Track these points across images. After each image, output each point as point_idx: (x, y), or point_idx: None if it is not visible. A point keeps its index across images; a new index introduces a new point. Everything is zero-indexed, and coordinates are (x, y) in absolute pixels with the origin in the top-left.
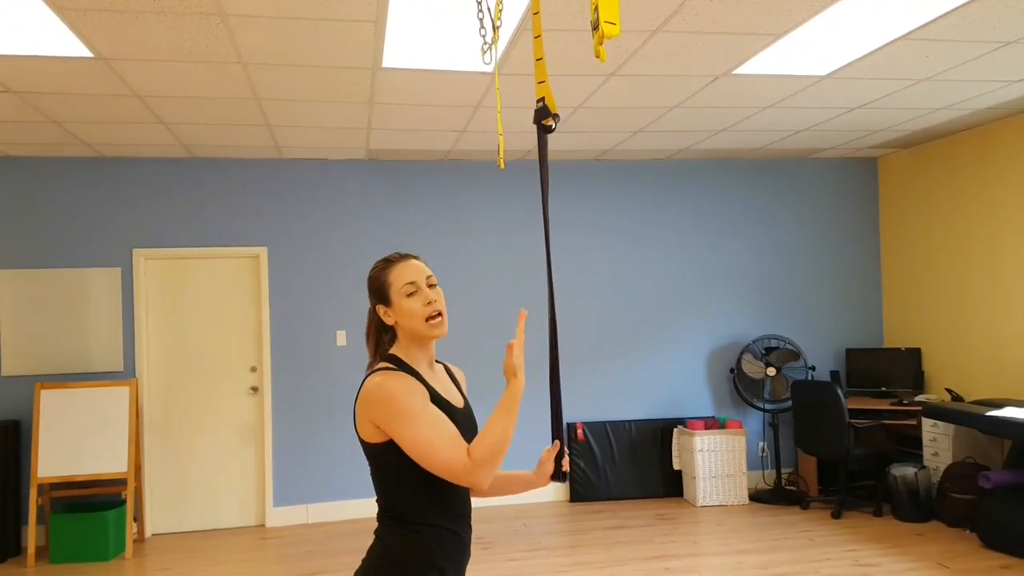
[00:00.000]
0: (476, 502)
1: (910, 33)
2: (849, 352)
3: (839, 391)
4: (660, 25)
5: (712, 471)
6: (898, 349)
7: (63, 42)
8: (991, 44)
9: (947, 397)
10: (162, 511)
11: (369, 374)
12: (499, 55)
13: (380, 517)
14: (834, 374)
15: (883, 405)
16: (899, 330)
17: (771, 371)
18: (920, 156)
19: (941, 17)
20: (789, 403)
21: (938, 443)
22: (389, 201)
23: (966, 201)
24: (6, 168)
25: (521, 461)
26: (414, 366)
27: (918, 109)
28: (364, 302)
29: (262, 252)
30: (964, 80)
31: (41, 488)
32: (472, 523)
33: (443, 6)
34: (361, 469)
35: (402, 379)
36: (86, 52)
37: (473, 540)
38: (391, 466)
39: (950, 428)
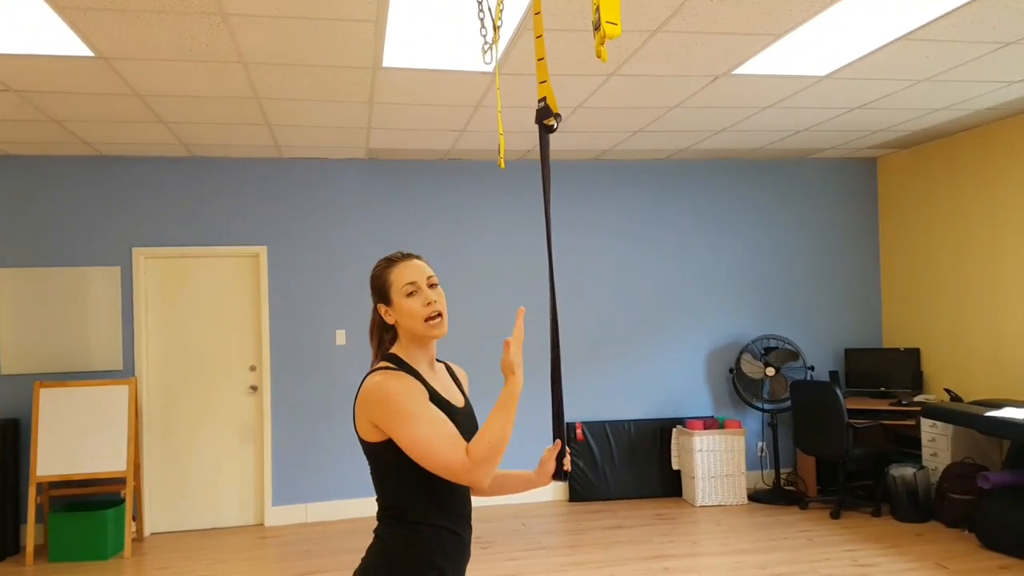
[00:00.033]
0: (475, 501)
1: (910, 33)
2: (848, 352)
3: (838, 391)
4: (660, 25)
5: (711, 471)
6: (897, 349)
7: (64, 41)
8: (991, 45)
9: (946, 397)
10: (161, 510)
11: (368, 373)
12: (499, 55)
13: (380, 516)
14: (833, 374)
15: (882, 405)
16: (898, 330)
17: (770, 371)
18: (920, 156)
19: (941, 17)
20: (788, 403)
21: (937, 443)
22: (389, 201)
23: (965, 201)
24: (6, 167)
25: (521, 461)
26: (414, 366)
27: (918, 109)
28: (363, 301)
29: (262, 251)
30: (964, 81)
31: (40, 487)
32: (472, 523)
33: (443, 6)
34: (360, 468)
35: (401, 379)
36: (86, 51)
37: (472, 540)
38: (390, 465)
39: (949, 428)
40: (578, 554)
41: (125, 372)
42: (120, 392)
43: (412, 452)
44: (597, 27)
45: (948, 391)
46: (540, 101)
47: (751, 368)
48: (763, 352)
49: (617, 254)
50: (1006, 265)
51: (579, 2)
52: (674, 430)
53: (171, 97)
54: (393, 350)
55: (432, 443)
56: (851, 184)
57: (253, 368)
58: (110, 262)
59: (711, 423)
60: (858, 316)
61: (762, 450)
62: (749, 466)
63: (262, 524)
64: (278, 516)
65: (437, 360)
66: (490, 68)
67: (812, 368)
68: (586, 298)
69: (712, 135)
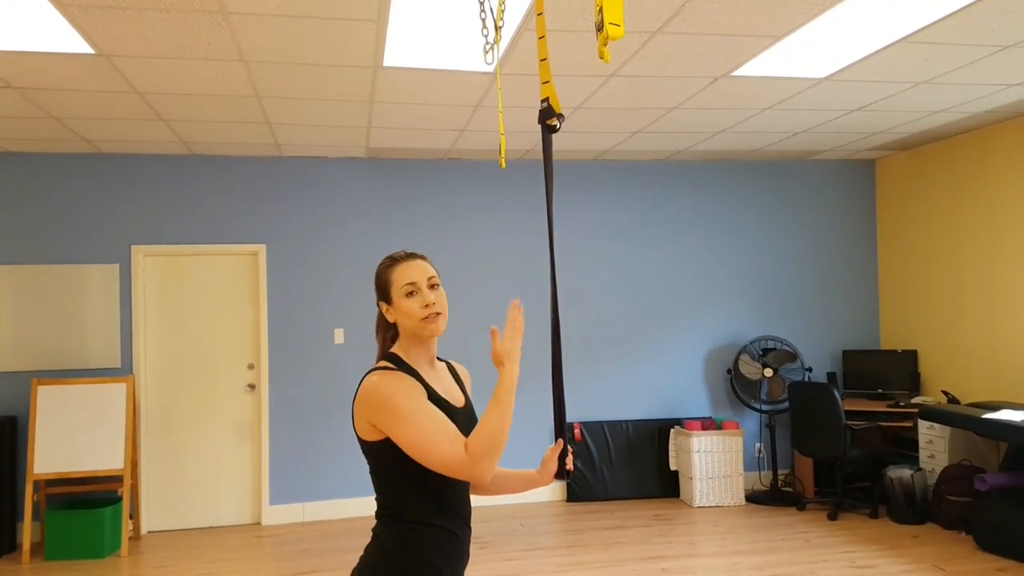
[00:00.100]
0: (472, 501)
1: (909, 36)
2: (846, 354)
3: (836, 392)
4: (661, 26)
5: (709, 472)
6: (895, 351)
7: (65, 38)
8: (989, 48)
9: (943, 399)
10: (158, 508)
11: (367, 373)
12: (500, 55)
13: (378, 515)
14: (831, 375)
15: (879, 407)
16: (896, 332)
17: (768, 372)
18: (918, 158)
19: (940, 20)
20: (786, 404)
21: (934, 445)
22: (388, 200)
23: (964, 204)
24: (6, 164)
25: (521, 461)
26: (414, 365)
27: (916, 112)
28: (362, 300)
29: (261, 249)
30: (962, 83)
31: (37, 484)
32: (471, 525)
33: (444, 6)
34: (358, 468)
35: (399, 379)
36: (87, 49)
37: (471, 540)
38: (389, 465)
39: (946, 430)
40: (576, 554)
41: (123, 370)
42: (118, 390)
43: (411, 450)
44: (600, 28)
45: (945, 393)
46: (543, 101)
47: (749, 369)
48: (761, 353)
49: (616, 254)
50: (1004, 267)
51: (579, 3)
52: (672, 431)
53: (171, 95)
54: (394, 349)
55: (431, 441)
56: (850, 186)
57: (251, 366)
58: (109, 260)
59: (709, 424)
60: (856, 318)
61: (760, 451)
62: (747, 467)
63: (259, 523)
64: (276, 515)
65: (439, 359)
66: (490, 68)
67: (810, 369)
68: (584, 298)
69: (711, 136)
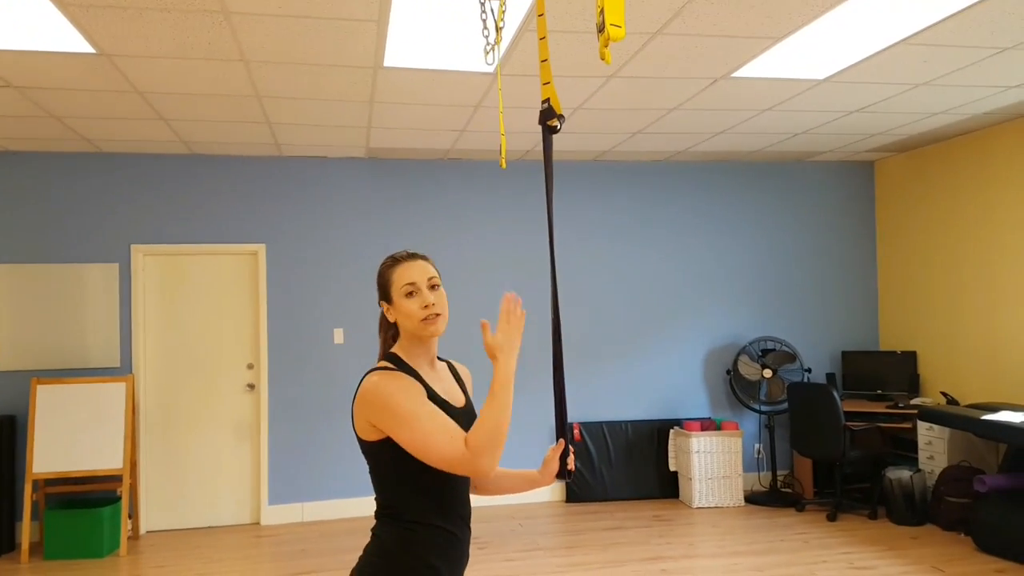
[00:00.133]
0: (472, 501)
1: (908, 38)
2: (845, 355)
3: (835, 393)
4: (661, 28)
5: (708, 472)
6: (894, 352)
7: (65, 38)
8: (989, 49)
9: (942, 400)
10: (157, 508)
11: (367, 373)
12: (501, 55)
13: (377, 515)
14: (830, 376)
15: (879, 408)
16: (895, 333)
17: (767, 373)
18: (917, 160)
19: (939, 22)
20: (785, 405)
21: (933, 446)
22: (388, 199)
23: (963, 205)
24: (6, 163)
25: (521, 462)
26: (413, 365)
27: (916, 113)
28: (362, 300)
29: (260, 249)
30: (961, 85)
31: (36, 484)
32: (471, 526)
33: (445, 6)
34: (357, 468)
35: (398, 379)
36: (88, 48)
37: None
38: (389, 464)
39: (945, 431)
40: (575, 555)
41: (123, 369)
42: (117, 389)
43: (412, 449)
44: (601, 29)
45: (944, 394)
46: (544, 102)
47: (748, 370)
48: (760, 354)
49: (616, 255)
50: (1003, 268)
51: (579, 4)
52: (671, 431)
53: (172, 94)
54: (394, 349)
55: (431, 438)
56: (849, 187)
57: (251, 366)
58: (109, 259)
59: (708, 424)
60: (855, 319)
61: (759, 452)
62: (746, 468)
63: (258, 523)
64: (274, 515)
65: (439, 359)
66: (490, 69)
67: (809, 370)
68: (584, 298)
69: (711, 137)
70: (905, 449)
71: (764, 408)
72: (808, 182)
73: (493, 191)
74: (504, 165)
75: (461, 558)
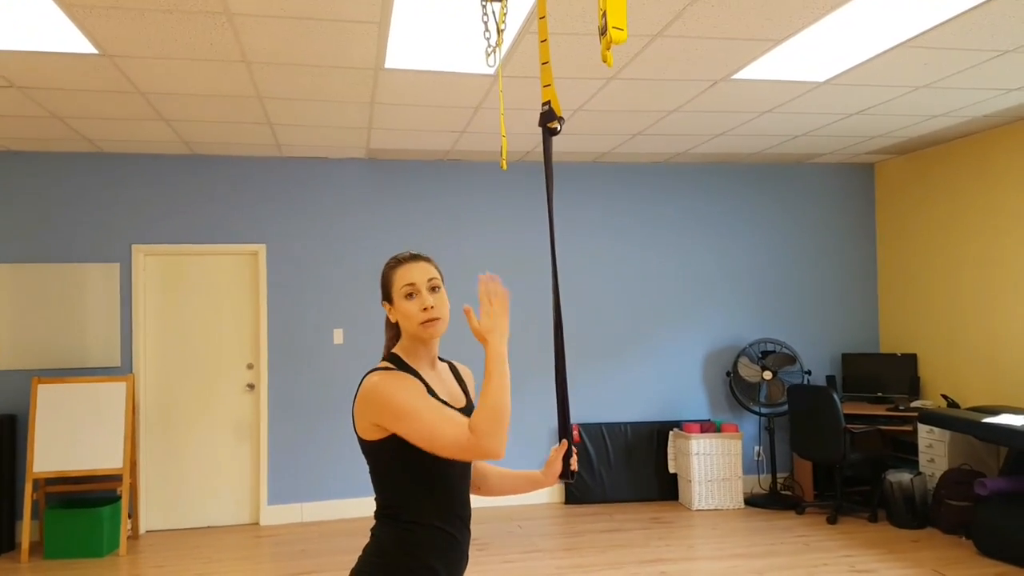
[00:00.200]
0: (471, 502)
1: (909, 40)
2: (845, 357)
3: (835, 396)
4: (661, 30)
5: (708, 475)
6: (894, 354)
7: (68, 39)
8: (989, 52)
9: (943, 403)
10: (157, 508)
11: (367, 374)
12: (501, 57)
13: (377, 515)
14: (830, 379)
15: (879, 410)
16: (895, 335)
17: (767, 375)
18: (917, 162)
19: (940, 25)
20: (785, 407)
21: (934, 449)
22: (388, 200)
23: (963, 207)
24: (6, 163)
25: (521, 462)
26: (414, 365)
27: (916, 116)
28: (361, 300)
29: (260, 249)
30: (961, 88)
31: (36, 483)
32: (471, 527)
33: (446, 8)
34: (357, 468)
35: (398, 377)
36: (91, 49)
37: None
38: (389, 464)
39: (946, 434)
40: (575, 557)
41: (123, 369)
42: (118, 389)
43: (418, 440)
44: (603, 32)
45: (945, 397)
46: (544, 105)
47: (748, 372)
48: (760, 356)
49: (615, 256)
50: (1003, 271)
51: (580, 6)
52: (671, 433)
53: (174, 95)
54: (395, 349)
55: (436, 428)
56: (849, 189)
57: (250, 366)
58: (109, 259)
59: (708, 426)
60: (855, 321)
61: (759, 454)
62: (746, 470)
63: (258, 523)
64: (274, 515)
65: (441, 359)
66: (491, 70)
67: (809, 372)
68: (584, 299)
69: (711, 139)
70: (905, 452)
71: (764, 410)
72: (808, 184)
73: (493, 192)
74: (505, 166)
75: (460, 559)
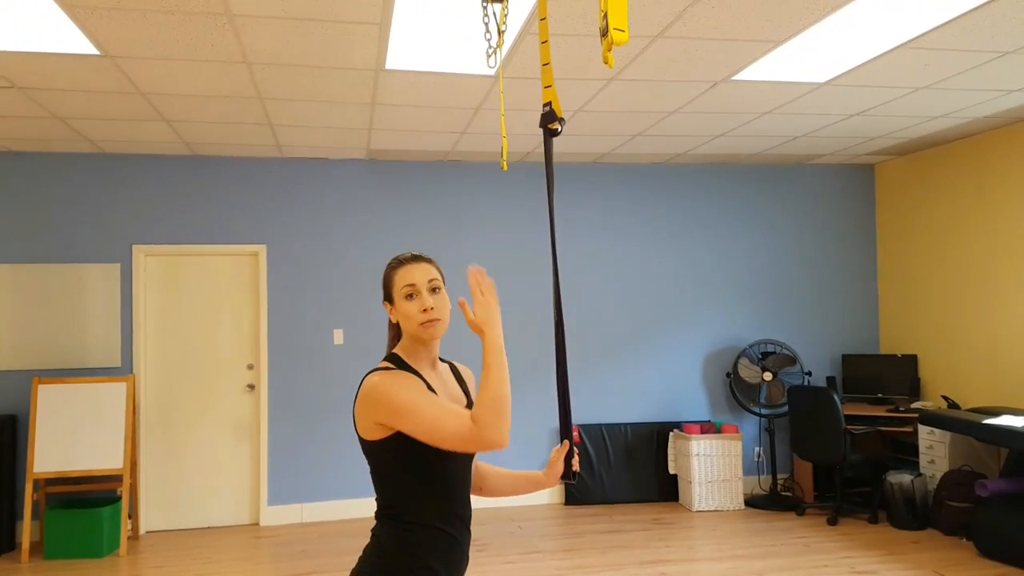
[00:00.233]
0: (472, 503)
1: (909, 42)
2: (845, 358)
3: (835, 397)
4: (662, 31)
5: (708, 476)
6: (894, 355)
7: (70, 39)
8: (989, 54)
9: (943, 404)
10: (157, 508)
11: (367, 374)
12: (502, 58)
13: (377, 515)
14: (830, 380)
15: (879, 411)
16: (895, 336)
17: (767, 376)
18: (917, 163)
19: (940, 26)
20: (785, 408)
21: (934, 450)
22: (388, 201)
23: (963, 209)
24: (7, 163)
25: (522, 462)
26: (414, 365)
27: (916, 117)
28: (362, 301)
29: (261, 250)
30: (962, 89)
31: (37, 483)
32: (471, 528)
33: (447, 9)
34: (357, 469)
35: (398, 376)
36: (92, 50)
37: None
38: (389, 465)
39: (946, 436)
40: (575, 558)
41: (123, 369)
42: (118, 389)
43: (421, 434)
44: (605, 34)
45: (945, 398)
46: (545, 106)
47: (748, 373)
48: (760, 357)
49: (616, 257)
50: (1003, 272)
51: (580, 7)
52: (671, 434)
53: (175, 96)
54: (396, 349)
55: (438, 421)
56: (849, 190)
57: (251, 367)
58: (110, 259)
59: (708, 427)
60: (855, 322)
61: (759, 455)
62: (746, 471)
63: (258, 524)
64: (274, 516)
65: (441, 360)
66: (491, 71)
67: (809, 373)
68: (584, 300)
69: (711, 140)
70: (906, 453)
71: (764, 411)
72: (808, 185)
73: (493, 193)
74: (505, 167)
75: (460, 560)
